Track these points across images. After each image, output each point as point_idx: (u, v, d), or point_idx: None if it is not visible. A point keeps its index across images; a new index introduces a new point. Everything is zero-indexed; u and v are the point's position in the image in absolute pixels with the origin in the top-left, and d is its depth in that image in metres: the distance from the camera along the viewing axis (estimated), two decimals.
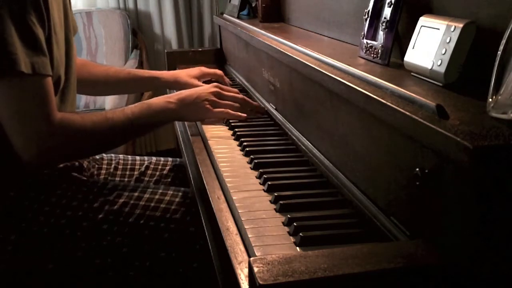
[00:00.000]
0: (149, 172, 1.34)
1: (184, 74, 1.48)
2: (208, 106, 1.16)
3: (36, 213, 1.00)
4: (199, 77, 1.49)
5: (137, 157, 1.40)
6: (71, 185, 1.06)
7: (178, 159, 1.40)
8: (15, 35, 0.91)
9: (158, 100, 1.13)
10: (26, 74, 0.92)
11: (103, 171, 1.31)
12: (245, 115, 1.20)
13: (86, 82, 1.35)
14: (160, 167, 1.36)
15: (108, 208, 1.03)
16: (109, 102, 2.56)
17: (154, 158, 1.39)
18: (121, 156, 1.38)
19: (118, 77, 1.43)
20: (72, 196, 1.03)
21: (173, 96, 1.15)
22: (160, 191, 1.09)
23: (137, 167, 1.35)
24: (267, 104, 1.33)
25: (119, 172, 1.32)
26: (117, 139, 1.12)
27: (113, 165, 1.33)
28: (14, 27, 0.91)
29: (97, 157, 1.33)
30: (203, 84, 1.45)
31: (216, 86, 1.21)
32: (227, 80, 1.56)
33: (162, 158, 1.40)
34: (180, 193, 1.10)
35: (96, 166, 1.30)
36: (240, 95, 1.25)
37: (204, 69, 1.53)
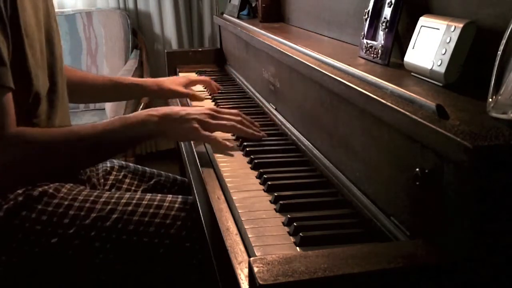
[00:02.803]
0: (158, 187, 1.29)
1: (168, 81, 1.43)
2: (196, 126, 1.04)
3: (27, 233, 0.96)
4: (185, 85, 1.43)
5: (147, 169, 1.34)
6: (63, 201, 1.00)
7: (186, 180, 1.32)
8: None
9: (139, 113, 1.05)
10: None
11: (112, 176, 1.27)
12: (231, 145, 1.07)
13: None
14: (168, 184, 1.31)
15: (100, 224, 0.98)
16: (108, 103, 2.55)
17: (163, 175, 1.34)
18: (131, 165, 1.33)
19: (96, 84, 1.36)
20: (63, 213, 0.98)
21: (159, 109, 1.06)
22: (156, 203, 1.03)
23: (145, 179, 1.30)
24: (267, 104, 1.33)
25: (127, 180, 1.28)
26: (84, 156, 1.02)
27: (122, 173, 1.28)
28: None
29: (108, 163, 1.28)
30: (189, 91, 1.43)
31: (211, 109, 1.10)
32: (214, 86, 1.50)
33: (170, 175, 1.35)
34: (176, 205, 1.04)
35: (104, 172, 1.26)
36: (238, 118, 1.11)
37: (191, 77, 1.48)
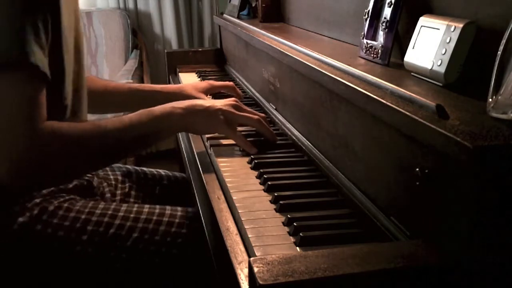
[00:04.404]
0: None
1: (189, 86, 1.37)
2: (221, 118, 1.03)
3: (27, 236, 0.94)
4: (206, 91, 1.39)
5: (147, 171, 1.31)
6: (63, 203, 0.98)
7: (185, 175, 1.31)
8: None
9: (163, 106, 1.02)
10: (35, 68, 0.84)
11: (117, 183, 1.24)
12: (256, 150, 1.04)
13: None
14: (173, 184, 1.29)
15: (118, 242, 0.95)
16: None
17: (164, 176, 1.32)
18: (137, 168, 1.30)
19: (118, 93, 1.33)
20: (63, 216, 0.96)
21: (182, 102, 1.04)
22: (157, 211, 1.01)
23: (149, 182, 1.27)
24: (267, 104, 1.33)
25: (134, 188, 1.24)
26: (112, 150, 0.99)
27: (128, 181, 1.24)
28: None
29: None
30: (210, 99, 1.36)
31: (235, 101, 1.09)
32: (239, 92, 1.46)
33: (171, 174, 1.33)
34: (179, 213, 1.02)
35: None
36: (261, 114, 1.12)
37: (213, 83, 1.43)
